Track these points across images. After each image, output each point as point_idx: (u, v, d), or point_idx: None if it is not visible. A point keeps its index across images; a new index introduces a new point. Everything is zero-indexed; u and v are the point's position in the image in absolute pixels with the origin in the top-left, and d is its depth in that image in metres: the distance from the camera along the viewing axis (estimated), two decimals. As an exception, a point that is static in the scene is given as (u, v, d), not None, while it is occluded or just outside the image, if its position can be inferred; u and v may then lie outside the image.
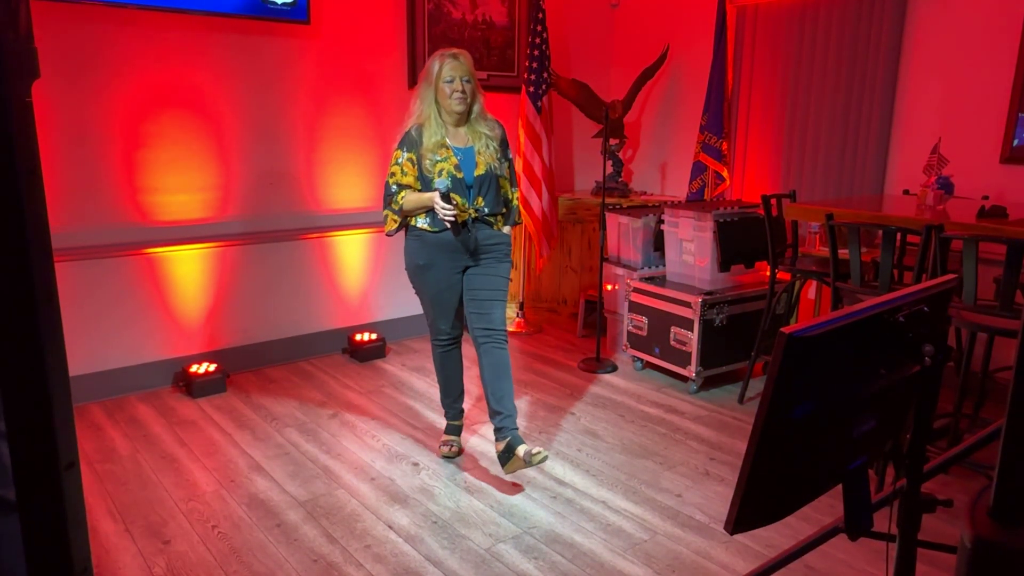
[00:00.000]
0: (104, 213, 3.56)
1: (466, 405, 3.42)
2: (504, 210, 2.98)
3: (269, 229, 4.08)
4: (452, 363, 3.11)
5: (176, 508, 2.69)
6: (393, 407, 3.63)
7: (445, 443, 3.14)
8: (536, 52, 4.63)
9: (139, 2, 3.40)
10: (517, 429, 2.88)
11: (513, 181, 3.03)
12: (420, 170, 2.84)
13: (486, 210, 2.89)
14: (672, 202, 4.68)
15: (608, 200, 4.73)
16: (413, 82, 4.47)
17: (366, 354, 4.30)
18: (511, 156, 3.02)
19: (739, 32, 4.66)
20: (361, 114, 4.32)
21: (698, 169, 4.77)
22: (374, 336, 4.37)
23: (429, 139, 2.83)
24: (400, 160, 2.86)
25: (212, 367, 3.81)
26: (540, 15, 4.58)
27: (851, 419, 1.13)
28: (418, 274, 2.94)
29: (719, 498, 2.80)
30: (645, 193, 5.30)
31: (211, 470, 2.98)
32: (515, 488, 2.86)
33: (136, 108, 3.57)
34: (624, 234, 4.40)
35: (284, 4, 3.82)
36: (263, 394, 3.78)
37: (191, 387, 3.70)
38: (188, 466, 3.01)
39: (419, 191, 2.84)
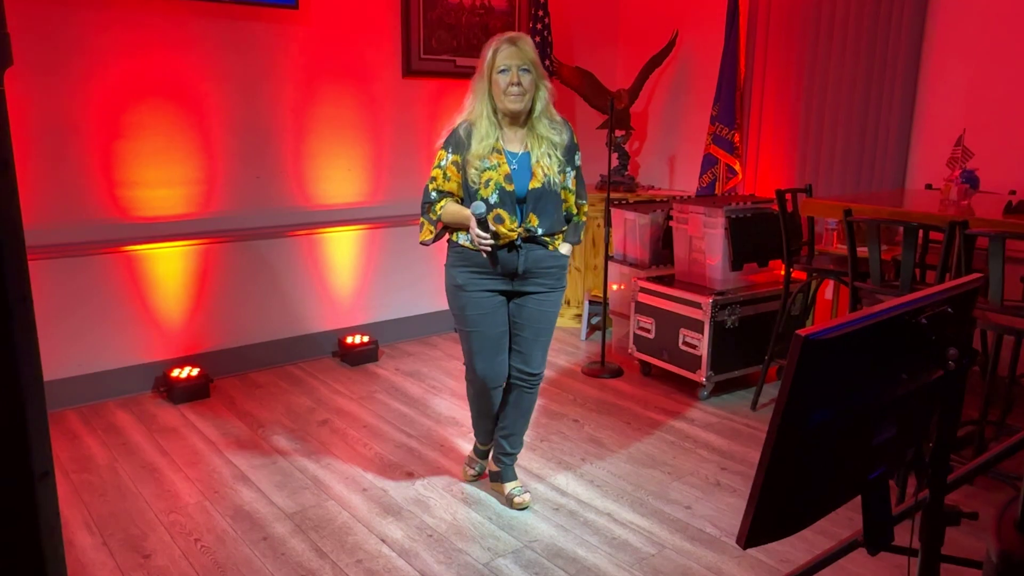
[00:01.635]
0: (81, 209, 3.56)
1: (452, 411, 3.41)
2: (566, 228, 2.71)
3: (255, 226, 4.08)
4: (486, 405, 2.83)
5: (157, 520, 2.69)
6: (386, 414, 3.63)
7: (469, 463, 3.02)
8: (537, 39, 4.62)
9: (118, -15, 3.41)
10: (513, 463, 2.90)
11: (581, 193, 2.74)
12: (465, 177, 2.58)
13: (540, 231, 2.59)
14: (681, 197, 4.68)
15: (613, 195, 4.73)
16: (408, 70, 4.47)
17: (358, 357, 4.30)
18: (579, 163, 2.72)
19: (752, 16, 4.67)
20: (353, 104, 4.32)
21: (709, 162, 4.77)
22: (366, 339, 4.38)
23: (479, 142, 2.54)
24: (443, 163, 2.60)
25: (195, 371, 3.81)
26: (542, -1, 4.59)
27: (870, 427, 1.13)
28: (456, 296, 2.67)
29: (731, 510, 2.80)
30: (652, 187, 5.30)
31: (194, 480, 2.97)
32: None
33: (115, 98, 3.57)
34: (630, 231, 4.40)
35: (271, -12, 3.82)
36: (249, 400, 3.78)
37: (172, 392, 3.70)
38: (169, 476, 3.01)
39: (461, 200, 2.61)
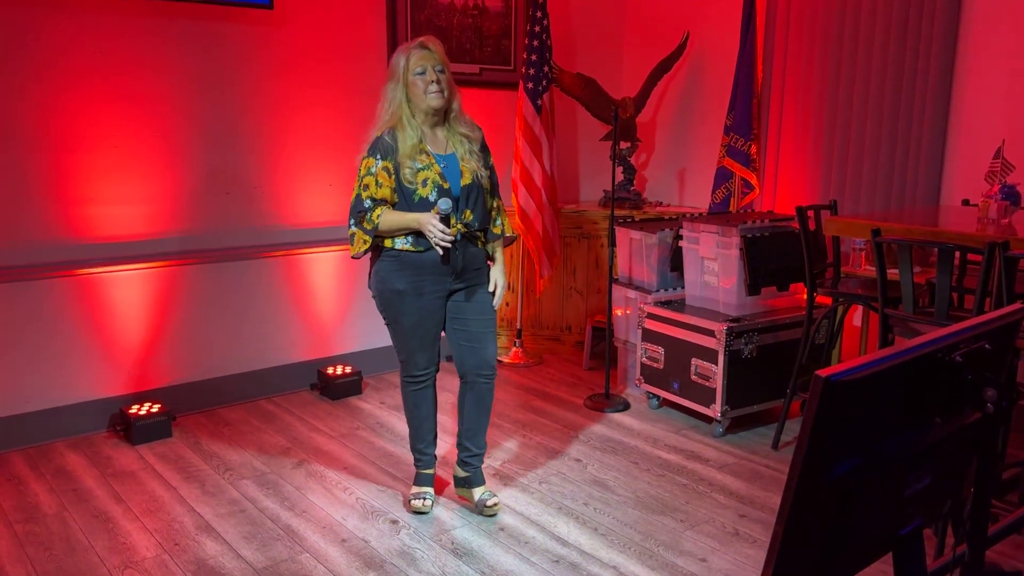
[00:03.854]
0: (29, 227, 3.56)
1: (441, 449, 3.40)
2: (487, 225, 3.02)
3: (224, 246, 4.07)
4: (427, 403, 3.10)
5: (110, 576, 2.65)
6: (369, 453, 3.60)
7: (417, 495, 3.12)
8: (536, 42, 4.65)
9: (75, -15, 3.43)
10: (481, 466, 3.14)
11: (495, 191, 3.07)
12: (399, 180, 2.82)
13: (476, 224, 2.91)
14: (692, 214, 4.69)
15: (618, 212, 4.73)
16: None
17: (339, 390, 4.28)
18: (491, 162, 3.05)
19: (771, 16, 4.70)
20: (333, 114, 4.33)
21: (723, 176, 4.78)
22: (348, 369, 4.36)
23: (405, 143, 2.82)
24: (374, 169, 2.84)
25: (155, 408, 3.78)
26: (540, -1, 4.62)
27: (901, 476, 1.12)
28: (394, 301, 2.92)
29: (751, 563, 2.77)
30: (661, 204, 5.32)
31: (152, 531, 2.94)
32: (510, 550, 2.83)
33: (68, 106, 3.58)
34: (636, 251, 4.40)
35: (243, -13, 3.85)
36: (215, 440, 3.75)
37: (130, 432, 3.67)
38: (125, 526, 2.97)
39: (395, 205, 2.85)
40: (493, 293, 3.03)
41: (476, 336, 2.97)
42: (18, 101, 3.46)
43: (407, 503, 3.13)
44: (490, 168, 3.02)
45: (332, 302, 4.48)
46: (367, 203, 2.82)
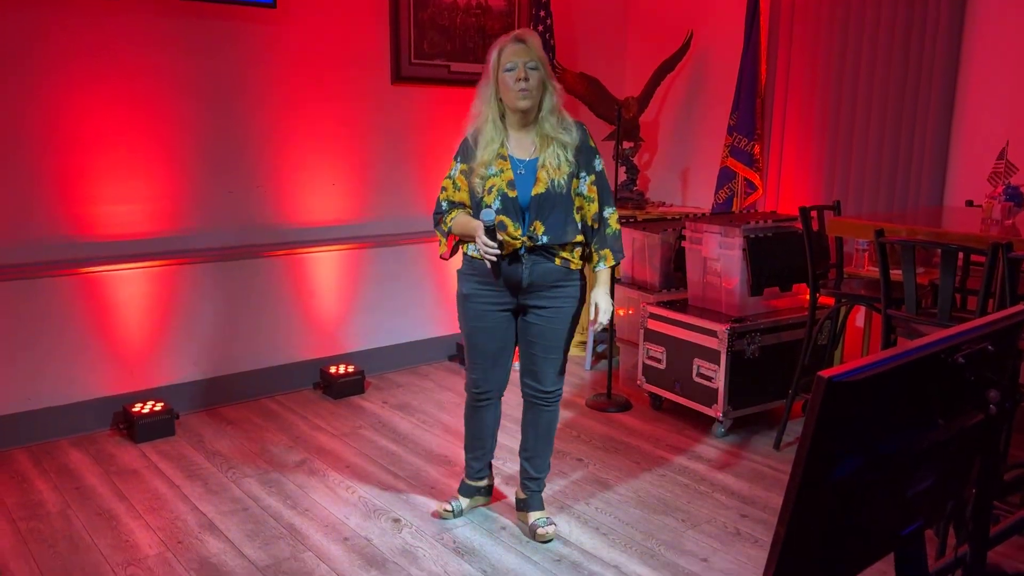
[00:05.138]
0: (33, 226, 3.56)
1: (443, 448, 3.40)
2: (580, 239, 2.74)
3: (228, 245, 4.08)
4: (479, 423, 2.98)
5: (113, 574, 2.66)
6: (372, 452, 3.61)
7: (448, 500, 3.06)
8: (538, 41, 4.65)
9: (80, -17, 3.44)
10: (540, 491, 2.98)
11: (606, 200, 2.78)
12: (471, 186, 2.72)
13: (544, 239, 2.67)
14: (695, 215, 4.69)
15: (621, 212, 4.73)
16: (397, 76, 4.50)
17: (342, 390, 4.28)
18: (600, 168, 2.78)
19: (774, 15, 4.70)
20: (337, 113, 4.34)
21: (726, 176, 4.78)
22: (351, 369, 4.36)
23: (484, 148, 2.68)
24: (453, 172, 2.78)
25: (158, 406, 3.79)
26: (543, -2, 4.62)
27: (903, 477, 1.12)
28: (460, 305, 2.85)
29: (752, 563, 2.77)
30: (664, 204, 5.31)
31: (155, 529, 2.95)
32: (512, 549, 2.83)
33: (73, 105, 3.59)
34: (639, 252, 4.40)
35: (247, -14, 3.85)
36: (218, 438, 3.76)
37: (133, 430, 3.68)
38: (128, 524, 2.98)
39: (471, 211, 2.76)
40: (567, 313, 2.77)
41: (534, 358, 2.81)
42: (25, 101, 3.46)
43: (438, 507, 3.06)
44: (596, 173, 2.75)
45: (335, 301, 4.48)
46: (444, 205, 2.79)
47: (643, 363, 4.14)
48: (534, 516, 2.93)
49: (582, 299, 2.83)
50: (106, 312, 3.78)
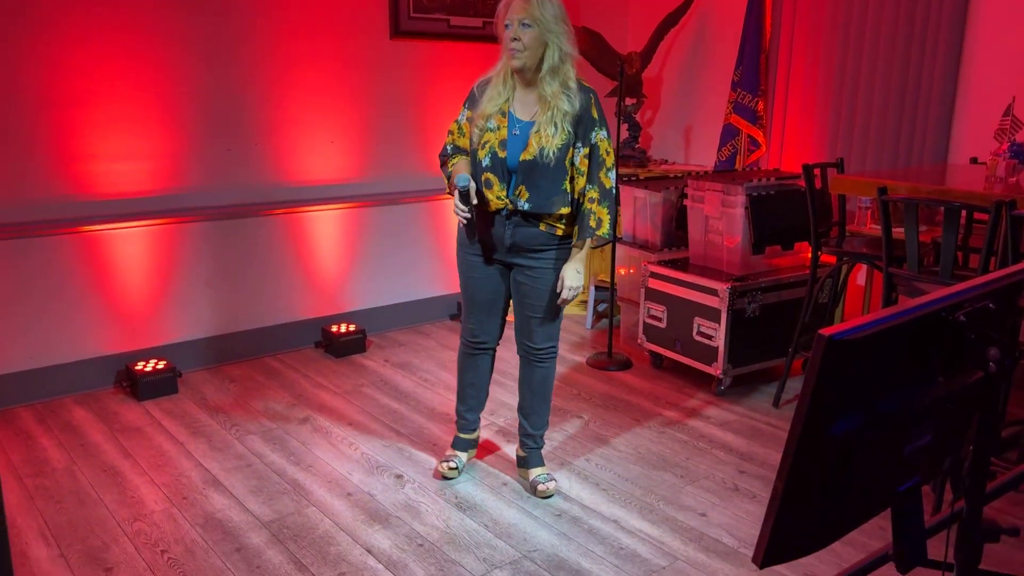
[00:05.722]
0: (32, 184, 3.55)
1: (445, 406, 3.42)
2: (566, 210, 2.66)
3: (227, 203, 4.06)
4: (474, 370, 3.01)
5: (119, 530, 2.69)
6: (374, 410, 3.64)
7: (446, 458, 3.07)
8: (540, -5, 4.57)
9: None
10: (540, 447, 3.01)
11: (593, 176, 2.66)
12: (470, 135, 2.75)
13: (526, 206, 2.64)
14: (697, 172, 4.66)
15: (623, 170, 4.70)
16: (396, 31, 4.44)
17: (343, 348, 4.30)
18: (602, 137, 2.67)
19: (778, -29, 4.62)
20: (335, 69, 4.29)
21: (729, 133, 4.74)
22: (352, 327, 4.37)
23: (488, 101, 2.67)
24: (460, 117, 2.81)
25: (161, 364, 3.81)
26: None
27: (902, 434, 1.12)
28: (458, 256, 2.89)
29: (750, 518, 2.80)
30: (666, 162, 5.28)
31: (160, 485, 2.98)
32: (513, 504, 2.87)
33: (70, 63, 3.54)
34: (641, 210, 4.38)
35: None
36: (221, 396, 3.78)
37: (137, 388, 3.70)
38: (133, 480, 3.01)
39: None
40: (547, 279, 2.75)
41: (525, 317, 2.83)
42: (18, 56, 3.42)
43: (437, 466, 3.09)
44: (592, 145, 2.65)
45: (336, 260, 4.48)
46: (448, 148, 2.81)
47: (644, 322, 4.15)
48: (535, 472, 2.96)
49: (559, 263, 2.76)
50: (108, 271, 3.78)
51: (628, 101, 5.01)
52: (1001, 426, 2.88)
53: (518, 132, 2.65)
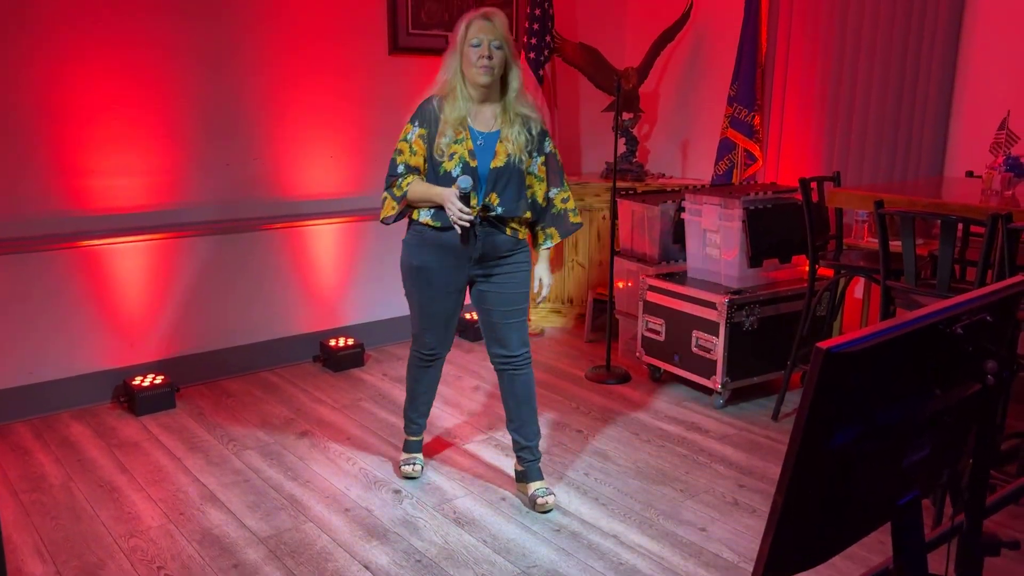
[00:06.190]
0: (30, 199, 3.55)
1: (442, 420, 3.43)
2: (528, 216, 2.86)
3: (227, 218, 4.06)
4: (428, 379, 3.12)
5: (115, 546, 2.68)
6: (372, 424, 3.62)
7: (407, 461, 3.17)
8: (537, 11, 4.61)
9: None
10: (537, 460, 3.01)
11: (554, 181, 2.92)
12: (430, 151, 2.77)
13: (499, 210, 2.76)
14: (695, 186, 4.67)
15: (620, 184, 4.71)
16: (395, 47, 4.46)
17: (341, 362, 4.29)
18: (553, 145, 2.92)
19: (774, -13, 4.65)
20: (334, 85, 4.30)
21: (726, 147, 4.75)
22: (351, 341, 4.37)
23: (450, 115, 2.74)
24: (410, 136, 2.80)
25: (159, 379, 3.80)
26: (542, -33, 4.57)
27: (900, 447, 1.12)
28: (410, 276, 2.90)
29: (750, 532, 2.79)
30: (663, 176, 5.29)
31: (157, 501, 2.97)
32: (512, 519, 2.86)
33: (68, 78, 3.55)
34: (638, 224, 4.39)
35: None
36: (219, 411, 3.77)
37: (134, 403, 3.69)
38: (130, 496, 3.00)
39: (426, 177, 2.80)
40: (521, 278, 2.89)
41: (496, 326, 2.89)
42: (17, 71, 3.43)
43: (398, 469, 3.17)
44: (546, 155, 2.88)
45: (334, 274, 4.48)
46: (400, 168, 2.80)
47: (642, 335, 4.15)
48: (533, 487, 2.96)
49: (529, 259, 2.94)
50: (105, 286, 3.77)
51: (625, 116, 5.03)
52: (1000, 439, 2.88)
53: (482, 143, 2.76)
